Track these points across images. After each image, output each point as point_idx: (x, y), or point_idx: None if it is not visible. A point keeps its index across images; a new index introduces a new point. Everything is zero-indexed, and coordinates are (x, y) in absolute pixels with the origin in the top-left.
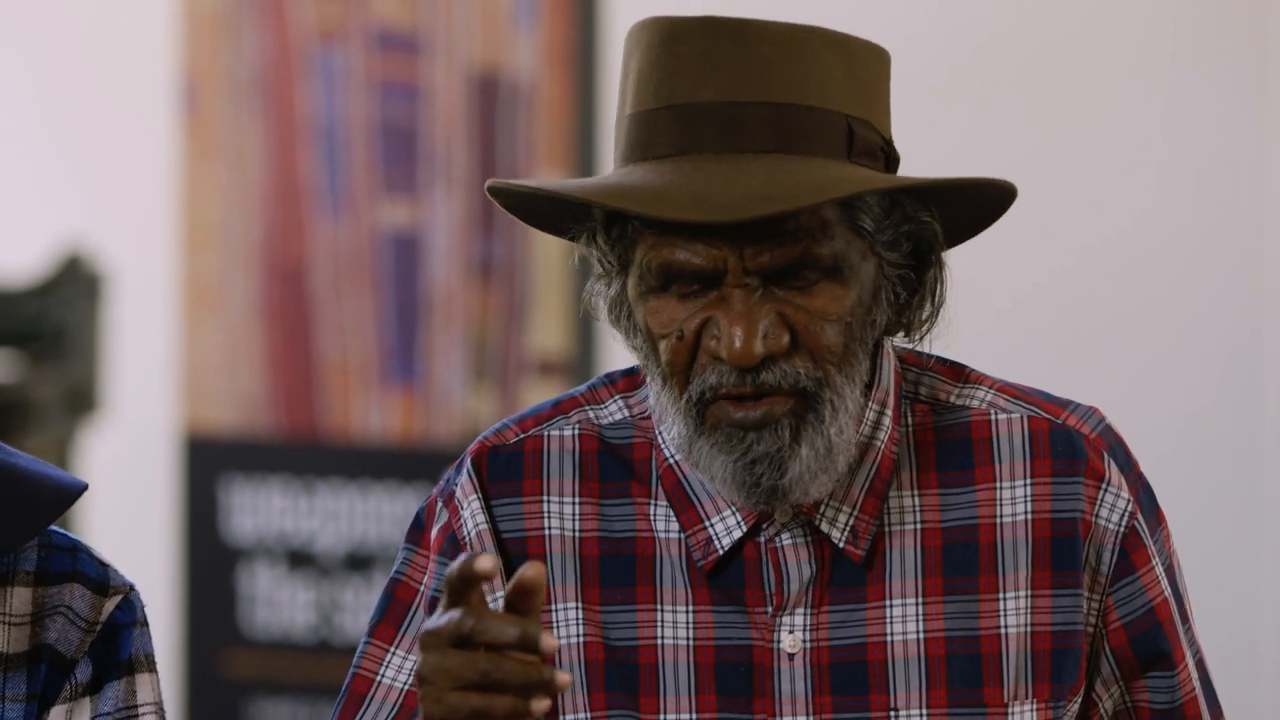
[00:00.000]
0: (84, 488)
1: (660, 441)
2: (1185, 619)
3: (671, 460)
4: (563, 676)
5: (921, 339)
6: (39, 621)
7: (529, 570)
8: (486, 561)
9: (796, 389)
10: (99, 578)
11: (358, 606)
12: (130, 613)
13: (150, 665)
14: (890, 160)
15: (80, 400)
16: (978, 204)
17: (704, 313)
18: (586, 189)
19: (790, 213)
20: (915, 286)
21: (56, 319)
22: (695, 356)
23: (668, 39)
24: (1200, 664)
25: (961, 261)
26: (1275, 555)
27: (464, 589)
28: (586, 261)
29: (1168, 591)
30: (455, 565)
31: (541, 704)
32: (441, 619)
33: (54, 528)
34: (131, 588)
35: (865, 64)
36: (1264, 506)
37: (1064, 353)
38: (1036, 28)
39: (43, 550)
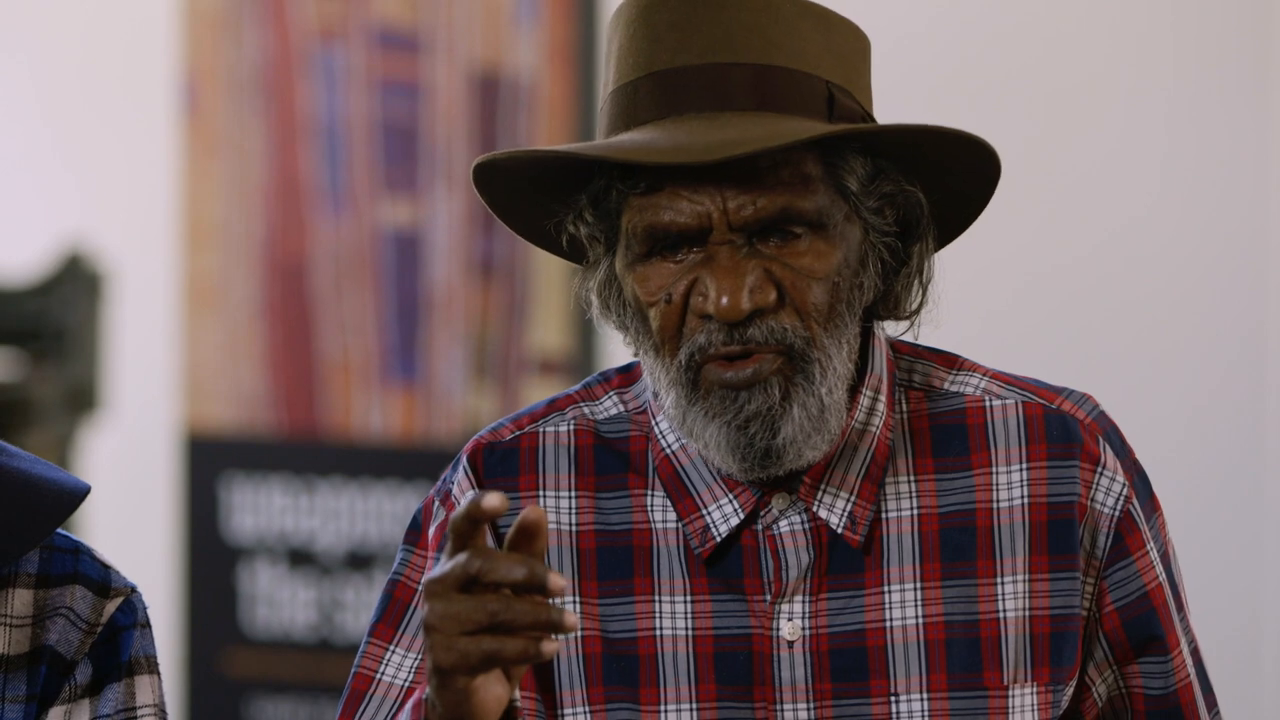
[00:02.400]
0: (86, 490)
1: (656, 433)
2: (1180, 607)
3: (668, 450)
4: (570, 617)
5: (912, 322)
6: (40, 623)
7: (531, 512)
8: (494, 499)
9: (784, 345)
10: (100, 579)
11: (358, 605)
12: (131, 614)
13: (151, 667)
14: None
15: (81, 399)
16: (962, 169)
17: (691, 274)
18: (570, 147)
19: (769, 152)
20: (903, 259)
21: (57, 318)
22: (684, 320)
23: (646, 10)
24: (1195, 653)
25: (963, 260)
26: (1277, 554)
27: (470, 531)
28: (569, 249)
29: (1162, 577)
30: (461, 507)
31: (551, 645)
32: (447, 565)
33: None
34: (133, 589)
35: (845, 38)
36: (1265, 505)
37: (1065, 351)
38: (1037, 27)
39: (44, 552)
